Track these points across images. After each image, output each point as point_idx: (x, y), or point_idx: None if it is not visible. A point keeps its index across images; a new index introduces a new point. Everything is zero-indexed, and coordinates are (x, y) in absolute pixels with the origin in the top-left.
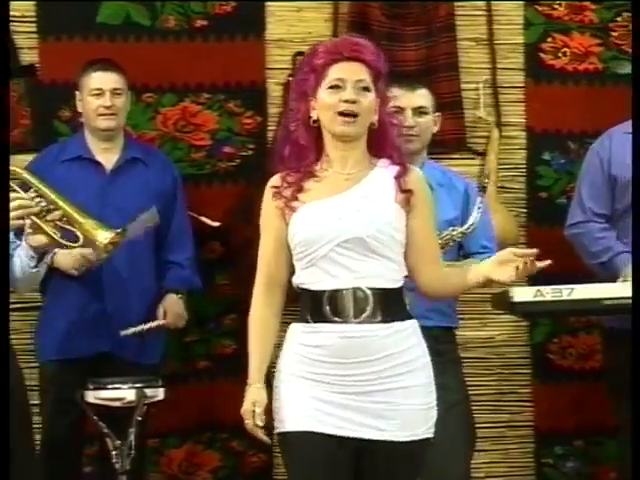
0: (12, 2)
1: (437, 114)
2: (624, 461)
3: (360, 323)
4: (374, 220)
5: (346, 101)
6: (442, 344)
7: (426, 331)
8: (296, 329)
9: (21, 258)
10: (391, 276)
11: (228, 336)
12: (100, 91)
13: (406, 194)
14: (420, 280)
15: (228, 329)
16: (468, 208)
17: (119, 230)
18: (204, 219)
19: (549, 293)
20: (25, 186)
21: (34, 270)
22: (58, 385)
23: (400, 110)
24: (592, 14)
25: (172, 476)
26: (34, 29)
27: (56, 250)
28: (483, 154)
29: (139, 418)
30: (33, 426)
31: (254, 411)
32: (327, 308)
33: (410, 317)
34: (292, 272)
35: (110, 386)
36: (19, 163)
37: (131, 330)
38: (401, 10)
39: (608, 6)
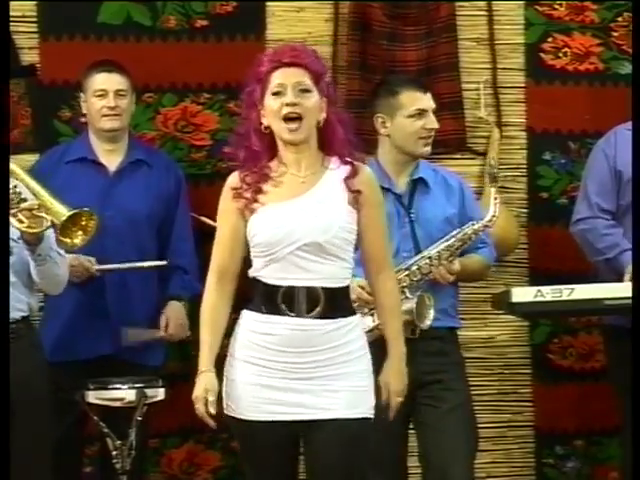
0: (12, 2)
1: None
2: (627, 460)
3: (310, 318)
4: (330, 226)
5: (287, 104)
6: (447, 344)
7: (433, 331)
8: (249, 317)
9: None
10: (342, 276)
11: (227, 336)
12: (104, 92)
13: (354, 194)
14: (379, 281)
15: (228, 329)
16: (464, 204)
17: (85, 209)
18: (204, 219)
19: (549, 293)
20: None
21: (35, 264)
22: (59, 387)
23: (423, 113)
24: (593, 14)
25: (172, 476)
26: (34, 29)
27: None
28: (484, 154)
29: (139, 418)
30: None
31: (206, 398)
32: (281, 303)
33: (354, 313)
34: (245, 263)
35: (110, 386)
36: (19, 163)
37: (131, 342)
38: (402, 10)
39: (609, 6)
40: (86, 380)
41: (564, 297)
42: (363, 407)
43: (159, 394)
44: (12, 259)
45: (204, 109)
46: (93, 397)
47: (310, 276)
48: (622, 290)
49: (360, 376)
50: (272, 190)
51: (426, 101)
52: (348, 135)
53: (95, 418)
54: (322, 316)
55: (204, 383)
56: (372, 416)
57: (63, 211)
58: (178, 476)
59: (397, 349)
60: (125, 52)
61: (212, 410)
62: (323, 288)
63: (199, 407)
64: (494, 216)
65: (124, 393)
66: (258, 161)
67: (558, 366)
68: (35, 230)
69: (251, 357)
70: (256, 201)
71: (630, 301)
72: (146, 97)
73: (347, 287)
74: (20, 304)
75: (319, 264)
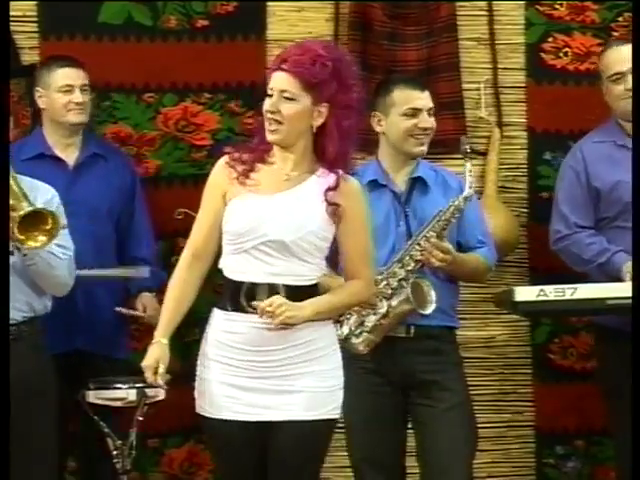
0: (13, 2)
1: None
2: (620, 462)
3: None
4: (300, 227)
5: (267, 110)
6: (444, 344)
7: (429, 330)
8: (217, 315)
9: None
10: (307, 275)
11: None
12: (70, 87)
13: (332, 207)
14: (359, 287)
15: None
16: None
17: (49, 210)
18: None
19: (552, 292)
20: None
21: (26, 264)
22: None
23: (416, 112)
24: (593, 14)
25: (173, 476)
26: (35, 29)
27: None
28: (484, 154)
29: (140, 418)
30: None
31: (156, 367)
32: (243, 299)
33: None
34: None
35: (111, 386)
36: None
37: (120, 309)
38: (402, 10)
39: (609, 6)
40: (60, 376)
41: (567, 296)
42: (323, 409)
43: (160, 394)
44: (13, 259)
45: (205, 109)
46: (94, 397)
47: (272, 272)
48: (625, 290)
49: (322, 376)
50: (258, 177)
51: (420, 100)
52: (343, 145)
53: (96, 418)
54: None
55: (156, 353)
56: (335, 416)
57: (24, 207)
58: (178, 476)
59: (325, 298)
60: (126, 52)
61: (160, 380)
62: (285, 285)
63: (148, 375)
64: (471, 188)
65: (125, 393)
66: (259, 143)
67: (559, 366)
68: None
69: (219, 356)
70: (245, 176)
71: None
72: (147, 97)
73: (313, 286)
74: (20, 304)
75: (282, 261)
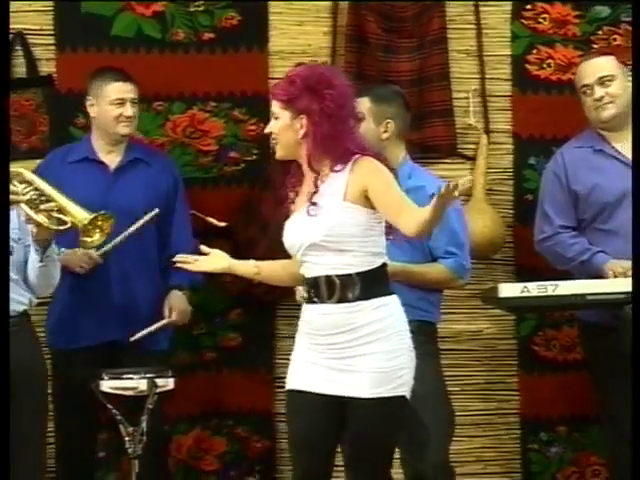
0: (30, 15)
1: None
2: (610, 449)
3: (332, 303)
4: (321, 227)
5: (267, 133)
6: (418, 336)
7: None
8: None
9: (32, 257)
10: (357, 262)
11: (233, 329)
12: (122, 101)
13: (353, 192)
14: (403, 230)
15: (233, 323)
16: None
17: (102, 212)
18: (211, 220)
19: (535, 289)
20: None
21: (40, 265)
22: (67, 373)
23: None
24: (575, 27)
25: (181, 460)
26: (52, 41)
27: (63, 250)
28: (473, 159)
29: (150, 406)
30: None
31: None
32: (311, 292)
33: (382, 294)
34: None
35: (124, 376)
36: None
37: (140, 334)
38: (396, 24)
39: (589, 20)
40: (94, 367)
41: (549, 292)
42: (385, 387)
43: (169, 383)
44: (12, 258)
45: (211, 116)
46: (107, 386)
47: (327, 267)
48: (603, 286)
49: (382, 357)
50: (298, 199)
51: None
52: (319, 149)
53: (109, 406)
54: (340, 300)
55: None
56: (402, 394)
57: (84, 214)
58: (186, 460)
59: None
60: (136, 63)
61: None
62: (338, 275)
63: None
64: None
65: (136, 382)
66: (296, 168)
67: (543, 357)
68: (60, 227)
69: (300, 341)
70: (293, 202)
71: (610, 296)
72: (156, 105)
73: (370, 271)
74: (23, 298)
75: (331, 257)
